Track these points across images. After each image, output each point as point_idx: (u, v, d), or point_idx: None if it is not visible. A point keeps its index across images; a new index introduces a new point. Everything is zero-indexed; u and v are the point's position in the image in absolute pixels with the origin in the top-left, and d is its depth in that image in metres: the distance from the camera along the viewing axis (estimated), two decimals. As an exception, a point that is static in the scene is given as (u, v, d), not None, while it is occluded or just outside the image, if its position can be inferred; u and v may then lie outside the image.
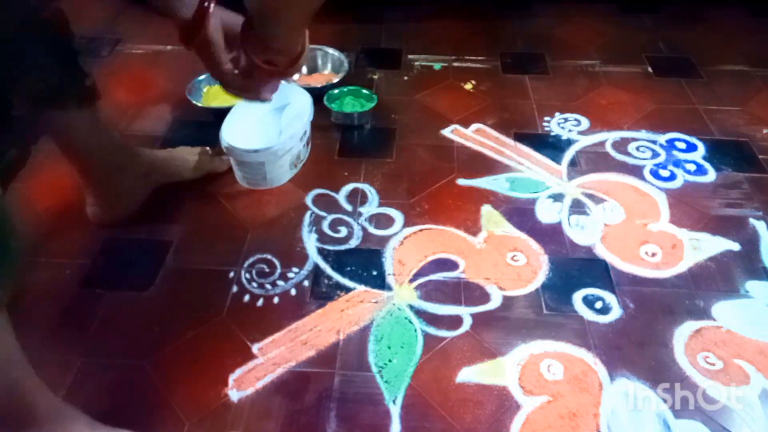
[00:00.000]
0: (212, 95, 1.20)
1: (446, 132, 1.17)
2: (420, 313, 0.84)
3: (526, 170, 1.08)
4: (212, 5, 0.66)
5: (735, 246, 0.94)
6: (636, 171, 1.08)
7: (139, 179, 0.97)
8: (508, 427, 0.71)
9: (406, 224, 0.97)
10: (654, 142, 1.14)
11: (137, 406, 0.74)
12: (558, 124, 1.18)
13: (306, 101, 0.97)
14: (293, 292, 0.87)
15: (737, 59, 1.38)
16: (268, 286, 0.87)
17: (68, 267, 0.90)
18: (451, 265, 0.90)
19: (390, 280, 0.88)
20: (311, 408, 0.73)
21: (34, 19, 0.74)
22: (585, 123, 1.19)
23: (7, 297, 0.53)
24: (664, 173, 1.07)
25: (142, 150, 0.99)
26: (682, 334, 0.81)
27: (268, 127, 0.92)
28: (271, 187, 0.96)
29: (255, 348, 0.79)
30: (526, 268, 0.90)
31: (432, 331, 0.81)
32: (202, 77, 1.21)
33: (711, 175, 1.07)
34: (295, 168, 0.98)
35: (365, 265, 0.90)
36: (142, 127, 1.19)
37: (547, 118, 1.20)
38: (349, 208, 1.00)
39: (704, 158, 1.11)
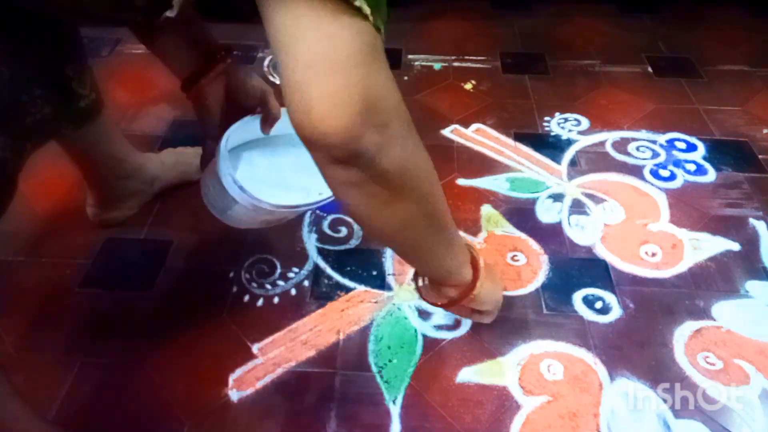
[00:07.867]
0: (212, 95, 1.20)
1: (446, 132, 1.17)
2: (420, 313, 0.84)
3: (526, 170, 1.08)
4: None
5: (735, 246, 0.94)
6: (636, 171, 1.07)
7: (144, 185, 0.97)
8: (508, 427, 0.71)
9: (406, 224, 0.97)
10: (654, 142, 1.14)
11: (137, 407, 0.74)
12: (558, 124, 1.18)
13: None
14: (293, 292, 0.87)
15: (737, 59, 1.38)
16: (268, 286, 0.87)
17: (68, 267, 0.90)
18: (451, 265, 0.90)
19: (390, 280, 0.88)
20: (311, 408, 0.73)
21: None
22: (585, 123, 1.19)
23: None
24: (664, 173, 1.07)
25: (150, 157, 0.99)
26: (682, 334, 0.81)
27: (282, 175, 0.76)
28: (225, 222, 0.75)
29: (255, 348, 0.79)
30: (526, 268, 0.90)
31: (432, 331, 0.81)
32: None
33: (711, 175, 1.07)
34: (265, 225, 0.78)
35: (365, 265, 0.90)
36: (142, 127, 1.19)
37: (547, 118, 1.20)
38: (349, 208, 1.00)
39: (704, 158, 1.10)
